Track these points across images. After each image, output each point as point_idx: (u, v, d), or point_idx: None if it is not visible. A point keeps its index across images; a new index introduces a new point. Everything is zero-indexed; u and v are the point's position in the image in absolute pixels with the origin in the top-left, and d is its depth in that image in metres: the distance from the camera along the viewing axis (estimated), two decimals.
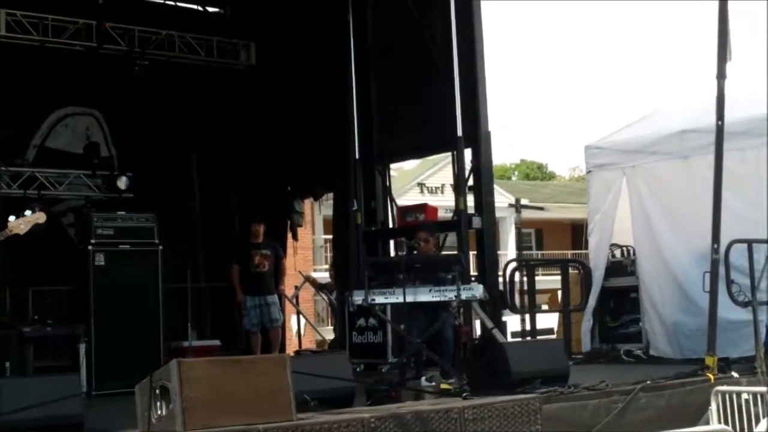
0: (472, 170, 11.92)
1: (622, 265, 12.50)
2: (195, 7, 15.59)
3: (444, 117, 11.84)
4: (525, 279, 12.51)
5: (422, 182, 41.83)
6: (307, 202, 18.31)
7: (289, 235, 15.32)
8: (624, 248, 12.62)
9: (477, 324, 11.46)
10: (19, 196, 12.84)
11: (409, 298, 9.57)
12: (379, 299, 9.71)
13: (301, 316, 15.74)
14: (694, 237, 11.01)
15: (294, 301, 15.31)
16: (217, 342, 13.77)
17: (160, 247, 11.22)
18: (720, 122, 9.53)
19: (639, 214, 12.12)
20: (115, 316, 10.70)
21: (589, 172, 12.72)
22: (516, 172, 64.17)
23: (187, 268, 12.33)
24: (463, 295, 9.50)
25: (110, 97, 14.23)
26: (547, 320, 14.38)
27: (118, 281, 10.80)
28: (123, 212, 11.20)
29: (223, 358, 6.59)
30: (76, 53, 13.69)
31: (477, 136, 11.81)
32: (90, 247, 10.78)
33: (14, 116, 13.56)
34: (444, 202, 42.99)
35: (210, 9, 15.75)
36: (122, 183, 13.21)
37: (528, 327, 12.15)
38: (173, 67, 14.51)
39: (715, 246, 9.55)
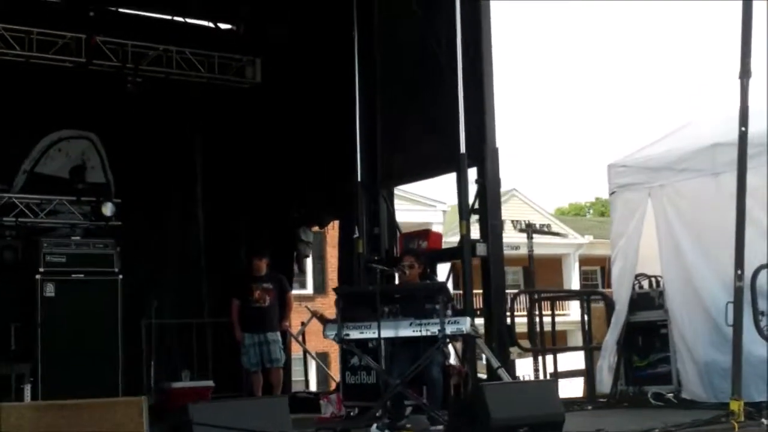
0: (477, 191, 10.74)
1: (650, 297, 11.17)
2: (206, 23, 14.72)
3: (450, 134, 10.74)
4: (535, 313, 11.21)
5: None
6: None
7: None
8: (652, 278, 11.28)
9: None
10: None
11: (389, 333, 8.52)
12: (354, 334, 8.66)
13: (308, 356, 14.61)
14: (727, 264, 9.65)
15: (300, 338, 14.23)
16: (210, 383, 12.74)
17: (120, 276, 10.22)
18: (743, 128, 8.29)
19: (666, 240, 10.82)
20: (66, 353, 9.68)
21: (612, 193, 11.47)
22: (591, 210, 62.79)
23: (153, 300, 11.29)
24: (448, 330, 8.37)
25: (106, 119, 13.43)
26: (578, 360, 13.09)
27: (70, 314, 9.80)
28: (77, 237, 10.20)
29: (63, 402, 5.50)
30: (64, 70, 12.86)
31: (483, 153, 10.67)
32: (38, 276, 9.79)
33: (5, 137, 12.76)
34: (505, 239, 42.12)
35: (222, 26, 14.89)
36: (107, 209, 12.24)
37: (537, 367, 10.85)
38: (172, 85, 13.67)
39: (739, 272, 8.30)
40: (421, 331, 8.43)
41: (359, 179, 11.96)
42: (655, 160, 11.05)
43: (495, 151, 10.75)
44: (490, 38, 10.98)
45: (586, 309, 11.60)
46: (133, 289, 12.95)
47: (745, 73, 8.34)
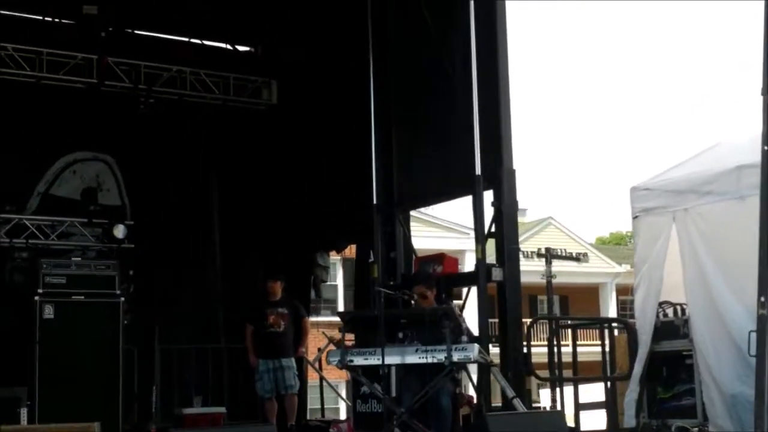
0: (494, 214, 10.38)
1: (674, 326, 10.66)
2: (222, 45, 14.50)
3: (466, 156, 10.42)
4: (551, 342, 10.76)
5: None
6: None
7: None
8: (677, 306, 10.80)
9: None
10: (5, 245, 11.71)
11: (396, 360, 8.16)
12: (358, 360, 8.27)
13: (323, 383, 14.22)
14: (753, 291, 9.17)
15: (317, 365, 13.85)
16: (222, 409, 12.45)
17: (122, 299, 9.92)
18: (766, 147, 7.81)
19: (691, 266, 10.32)
20: (64, 377, 9.40)
21: (635, 217, 10.96)
22: (631, 240, 61.79)
23: (156, 325, 10.89)
24: (455, 357, 7.97)
25: (120, 141, 13.23)
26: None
27: (69, 337, 9.50)
28: (78, 258, 9.93)
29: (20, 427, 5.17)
30: (76, 91, 12.66)
31: (499, 175, 10.32)
32: (36, 298, 9.50)
33: (15, 161, 12.57)
34: (539, 268, 41.63)
35: (240, 48, 14.67)
36: (119, 232, 11.98)
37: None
38: (186, 107, 13.47)
39: (763, 299, 7.78)
40: (426, 358, 8.06)
41: (375, 202, 11.65)
42: (679, 183, 10.58)
43: (512, 173, 10.43)
44: (506, 59, 10.73)
45: (608, 338, 11.10)
46: (144, 314, 12.81)
47: (767, 90, 7.90)
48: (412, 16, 11.85)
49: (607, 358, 10.87)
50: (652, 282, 10.72)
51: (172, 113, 13.28)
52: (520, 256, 30.34)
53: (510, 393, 9.60)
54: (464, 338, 8.54)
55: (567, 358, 11.74)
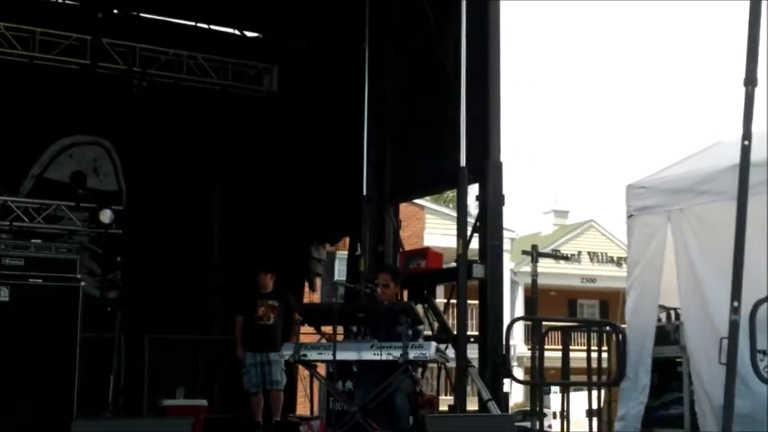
0: (479, 209, 9.99)
1: (666, 332, 10.18)
2: (232, 31, 14.18)
3: (454, 149, 10.04)
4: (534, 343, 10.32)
5: (557, 248, 39.79)
6: None
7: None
8: (671, 311, 10.32)
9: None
10: None
11: (350, 356, 7.77)
12: (312, 355, 7.93)
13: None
14: (747, 296, 8.70)
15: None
16: (204, 402, 12.12)
17: (82, 284, 9.61)
18: (747, 142, 7.34)
19: (685, 268, 9.84)
20: (15, 365, 9.06)
21: (630, 216, 10.49)
22: None
23: (118, 311, 10.63)
24: (411, 355, 7.60)
25: (118, 125, 12.96)
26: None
27: (25, 321, 9.18)
28: (39, 240, 9.67)
29: None
30: (70, 72, 12.43)
31: (485, 168, 9.93)
32: None
33: (6, 142, 12.37)
34: (580, 271, 40.99)
35: (251, 34, 14.35)
36: (106, 216, 11.64)
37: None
38: (184, 91, 13.17)
39: (735, 304, 7.33)
40: (381, 354, 7.69)
41: (364, 194, 11.32)
42: (675, 182, 10.10)
43: (498, 166, 10.06)
44: (498, 52, 10.43)
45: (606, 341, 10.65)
46: (132, 302, 12.60)
47: (750, 81, 7.41)
48: (413, 9, 11.56)
49: (594, 363, 10.36)
50: (646, 285, 10.26)
51: (169, 98, 12.99)
52: (560, 258, 29.48)
53: (486, 395, 9.25)
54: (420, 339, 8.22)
55: (573, 363, 11.33)
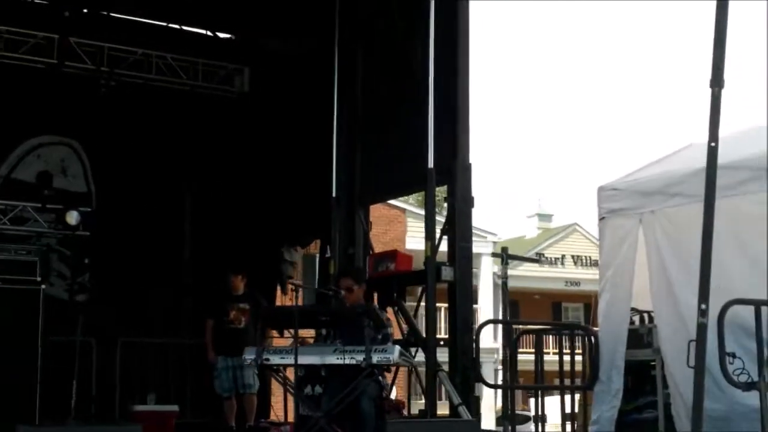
0: (447, 210, 9.84)
1: (639, 335, 10.05)
2: (204, 32, 14.00)
3: (422, 150, 9.88)
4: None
5: (541, 252, 39.72)
6: None
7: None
8: (643, 314, 10.19)
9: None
10: None
11: (313, 360, 7.62)
12: (274, 359, 7.78)
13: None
14: (720, 299, 8.59)
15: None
16: (175, 408, 12.02)
17: (43, 287, 9.43)
18: (713, 143, 7.22)
19: (657, 271, 9.71)
20: None
21: (602, 219, 10.36)
22: None
23: (79, 315, 10.44)
24: (375, 359, 7.46)
25: (86, 126, 12.80)
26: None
27: None
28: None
29: None
30: (37, 71, 12.23)
31: (454, 169, 9.78)
32: None
33: None
34: (564, 274, 40.91)
35: (222, 35, 14.18)
36: (72, 218, 11.52)
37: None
38: (153, 92, 12.99)
39: (703, 307, 7.19)
40: (345, 358, 7.54)
41: (333, 195, 11.17)
42: (647, 184, 9.97)
43: (467, 167, 9.90)
44: (467, 53, 10.27)
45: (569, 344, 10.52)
46: (100, 305, 12.44)
47: (716, 82, 7.28)
48: (383, 10, 11.42)
49: (567, 367, 10.23)
50: (618, 288, 10.12)
51: (138, 98, 12.81)
52: (543, 261, 29.55)
53: (456, 400, 9.10)
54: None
55: (552, 367, 11.17)
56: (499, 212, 73.21)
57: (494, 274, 36.44)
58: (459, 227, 9.71)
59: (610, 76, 77.69)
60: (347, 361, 7.54)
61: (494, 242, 35.34)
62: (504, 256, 9.98)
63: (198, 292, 13.14)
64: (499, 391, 26.37)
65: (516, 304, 38.78)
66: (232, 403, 11.55)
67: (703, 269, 7.30)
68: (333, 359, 7.62)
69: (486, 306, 34.07)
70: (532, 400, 13.85)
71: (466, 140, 9.92)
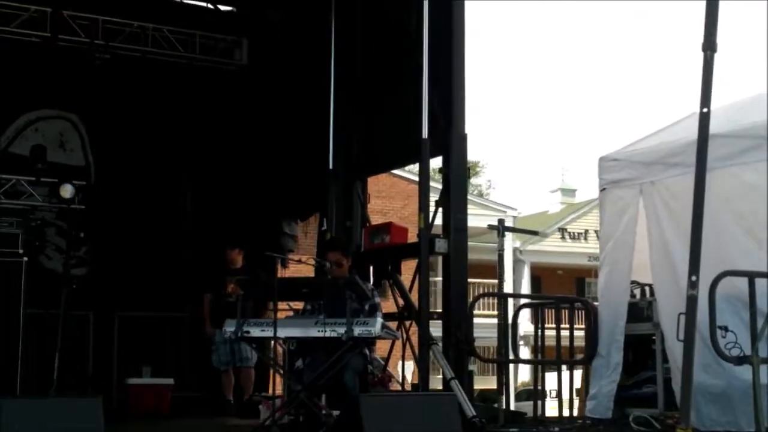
0: (442, 182, 9.64)
1: (639, 308, 9.81)
2: (204, 4, 13.80)
3: (420, 120, 9.68)
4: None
5: (564, 227, 39.36)
6: None
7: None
8: (645, 287, 9.95)
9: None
10: None
11: (294, 333, 7.45)
12: (254, 331, 7.61)
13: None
14: (716, 271, 8.35)
15: None
16: (170, 381, 11.90)
17: (25, 259, 9.32)
18: (705, 109, 6.99)
19: (657, 243, 9.48)
20: None
21: (603, 189, 10.12)
22: None
23: (63, 289, 10.29)
24: (356, 331, 7.28)
25: (84, 99, 12.69)
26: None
27: None
28: None
29: None
30: (31, 45, 12.10)
31: (449, 140, 9.58)
32: None
33: None
34: (587, 249, 40.53)
35: (222, 7, 13.97)
36: (66, 191, 11.37)
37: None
38: (150, 64, 12.86)
39: (693, 278, 6.99)
40: (326, 332, 7.37)
41: (330, 167, 11.00)
42: (647, 154, 9.73)
43: (463, 138, 9.71)
44: (462, 21, 10.09)
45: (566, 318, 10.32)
46: (98, 280, 12.36)
47: (709, 46, 7.04)
48: None
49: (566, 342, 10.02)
50: (618, 261, 9.90)
51: (135, 72, 12.67)
52: (567, 236, 29.15)
53: (449, 374, 8.93)
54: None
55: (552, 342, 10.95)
56: (520, 187, 72.83)
57: (516, 249, 36.21)
58: (454, 199, 9.53)
59: (636, 46, 76.90)
60: (328, 334, 7.36)
61: (514, 217, 34.99)
62: (500, 228, 9.78)
63: (197, 266, 13.01)
64: (522, 367, 26.35)
65: (538, 280, 38.48)
66: (230, 376, 11.49)
67: (694, 239, 7.08)
68: (314, 332, 7.45)
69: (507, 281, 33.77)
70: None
71: (461, 111, 9.74)
